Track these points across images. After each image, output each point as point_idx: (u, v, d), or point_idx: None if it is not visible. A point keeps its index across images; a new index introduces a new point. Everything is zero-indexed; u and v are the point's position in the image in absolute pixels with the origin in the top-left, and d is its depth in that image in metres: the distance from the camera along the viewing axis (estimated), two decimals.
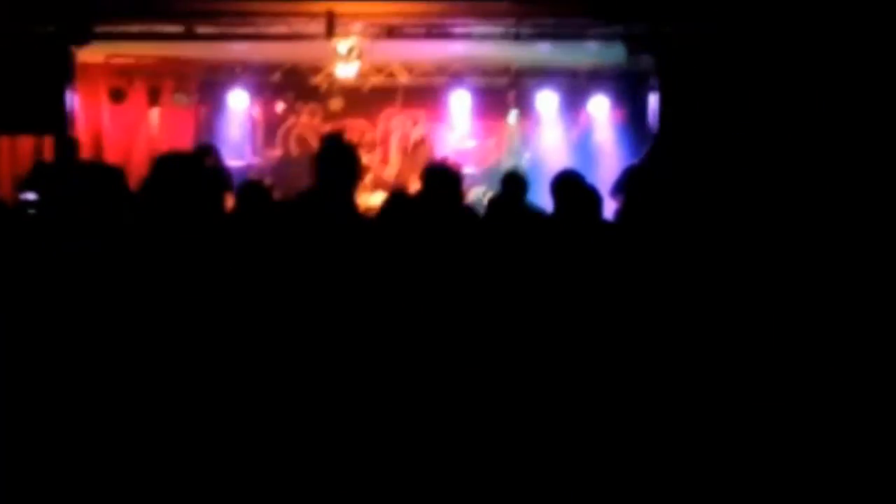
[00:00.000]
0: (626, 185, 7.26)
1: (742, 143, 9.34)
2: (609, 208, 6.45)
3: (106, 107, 13.85)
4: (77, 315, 4.56)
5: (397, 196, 6.65)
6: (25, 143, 11.50)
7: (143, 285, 4.55)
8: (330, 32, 10.68)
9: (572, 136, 14.66)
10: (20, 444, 4.38)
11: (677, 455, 4.71)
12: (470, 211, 6.72)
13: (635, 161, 10.53)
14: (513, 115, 14.57)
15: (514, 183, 7.40)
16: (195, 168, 4.91)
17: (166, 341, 4.46)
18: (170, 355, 4.44)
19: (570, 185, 6.00)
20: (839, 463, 4.59)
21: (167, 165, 4.79)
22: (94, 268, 4.67)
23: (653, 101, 10.74)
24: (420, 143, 13.35)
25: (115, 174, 6.31)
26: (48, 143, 11.51)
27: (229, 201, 6.83)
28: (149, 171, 4.82)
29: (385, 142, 14.88)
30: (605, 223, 6.20)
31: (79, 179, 6.22)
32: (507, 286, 5.29)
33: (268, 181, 12.45)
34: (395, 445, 4.72)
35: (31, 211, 6.07)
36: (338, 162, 5.22)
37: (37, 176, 8.56)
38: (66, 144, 10.10)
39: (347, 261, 4.91)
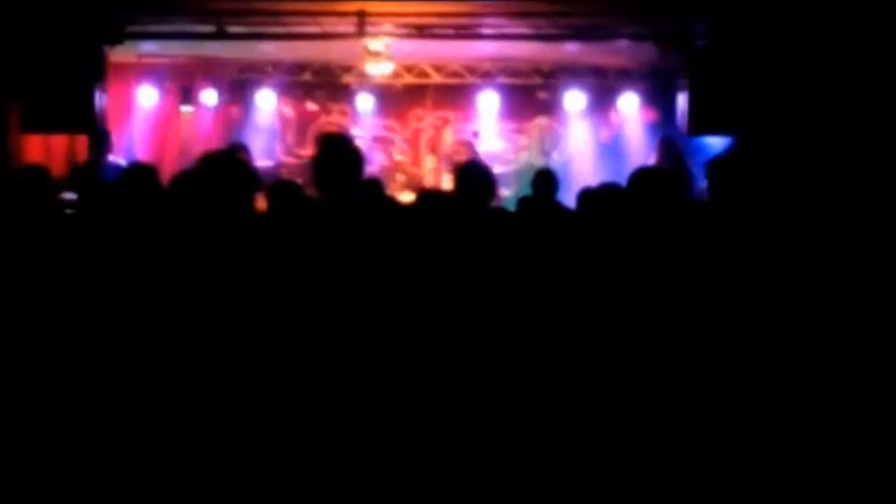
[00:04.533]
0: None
1: (772, 143, 9.29)
2: None
3: (137, 106, 13.94)
4: (117, 310, 4.62)
5: (426, 196, 6.67)
6: (58, 142, 11.58)
7: (177, 283, 4.60)
8: (361, 32, 10.70)
9: (602, 135, 14.66)
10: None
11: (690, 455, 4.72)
12: (502, 210, 6.73)
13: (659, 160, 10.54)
14: (541, 118, 14.61)
15: (545, 182, 7.42)
16: (229, 165, 4.95)
17: (197, 336, 4.51)
18: (201, 350, 4.50)
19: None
20: (840, 463, 4.57)
21: (204, 163, 4.84)
22: (131, 265, 4.73)
23: (681, 100, 10.68)
24: (463, 145, 13.36)
25: (147, 172, 6.34)
26: (80, 141, 11.62)
27: (260, 201, 6.86)
28: (187, 169, 4.88)
29: (415, 141, 14.92)
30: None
31: (114, 178, 6.27)
32: (537, 285, 5.29)
33: (298, 180, 12.50)
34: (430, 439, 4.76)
35: (69, 210, 6.10)
36: (345, 161, 5.20)
37: (74, 176, 8.62)
38: (101, 139, 10.21)
39: (375, 260, 4.92)
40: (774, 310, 4.77)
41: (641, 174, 5.56)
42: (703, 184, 5.73)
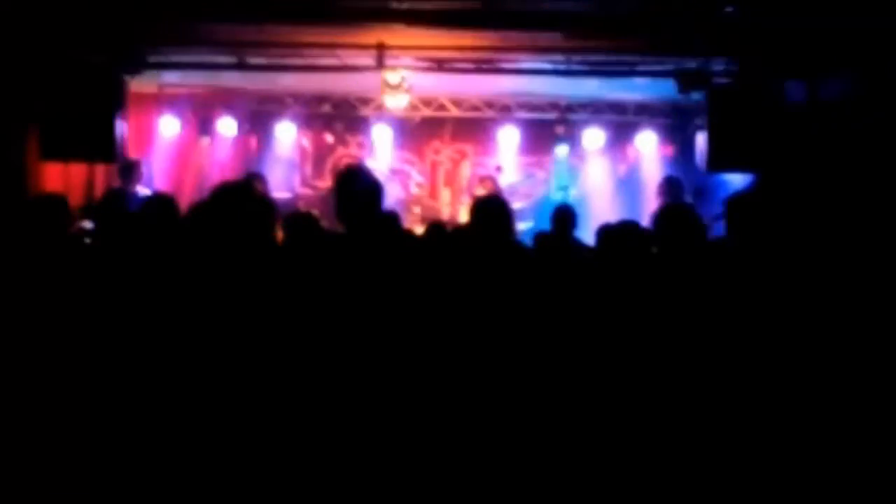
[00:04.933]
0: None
1: (791, 184, 9.27)
2: None
3: (157, 135, 13.96)
4: (132, 338, 4.62)
5: (435, 229, 6.67)
6: (77, 171, 11.62)
7: (191, 311, 4.60)
8: (380, 64, 10.73)
9: (619, 171, 14.63)
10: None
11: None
12: (519, 245, 6.70)
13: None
14: (562, 149, 14.49)
15: (563, 217, 7.39)
16: (246, 195, 4.95)
17: (212, 363, 4.51)
18: (216, 376, 4.50)
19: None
20: (840, 464, 4.57)
21: (219, 193, 4.84)
22: (147, 294, 4.73)
23: (700, 140, 10.68)
24: (486, 179, 13.30)
25: (166, 202, 6.35)
26: (99, 171, 11.67)
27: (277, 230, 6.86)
28: (203, 200, 4.89)
29: (433, 174, 14.92)
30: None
31: (134, 208, 6.28)
32: (550, 319, 5.28)
33: (315, 212, 12.53)
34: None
35: (88, 240, 6.11)
36: (364, 192, 5.17)
37: (93, 206, 8.62)
38: (130, 169, 10.27)
39: (387, 292, 4.90)
40: (795, 345, 4.75)
41: (668, 213, 5.58)
42: (714, 221, 5.74)
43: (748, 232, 5.20)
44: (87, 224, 6.48)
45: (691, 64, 10.57)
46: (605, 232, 6.05)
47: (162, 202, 6.02)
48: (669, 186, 11.21)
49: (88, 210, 7.02)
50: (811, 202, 8.18)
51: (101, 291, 4.83)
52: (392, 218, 6.01)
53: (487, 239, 5.81)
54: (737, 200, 5.35)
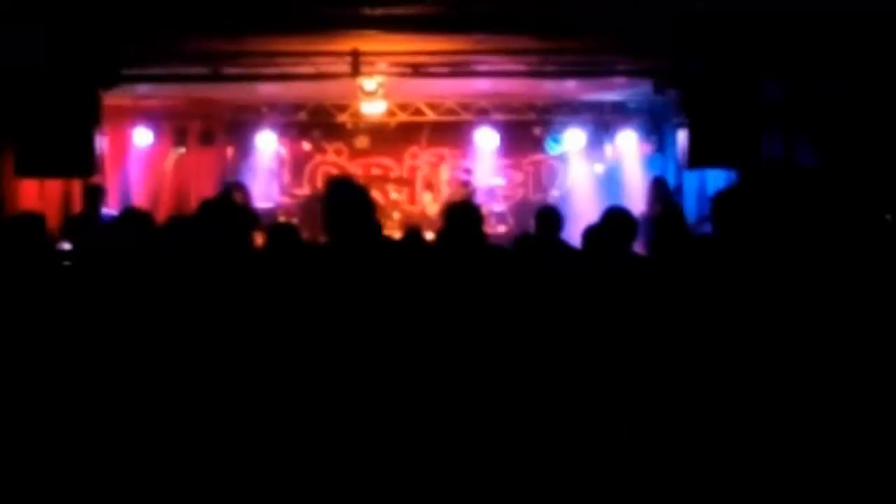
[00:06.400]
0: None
1: (770, 176, 9.28)
2: None
3: (134, 149, 13.88)
4: (116, 352, 4.61)
5: (412, 235, 6.65)
6: (53, 187, 11.54)
7: (176, 325, 4.59)
8: (355, 71, 10.68)
9: (598, 170, 14.64)
10: None
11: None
12: (497, 248, 6.69)
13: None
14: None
15: (547, 219, 7.35)
16: (224, 206, 4.93)
17: (194, 373, 4.51)
18: (196, 388, 4.49)
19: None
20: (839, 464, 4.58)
21: (201, 207, 4.83)
22: (128, 313, 4.70)
23: (682, 137, 10.65)
24: (463, 185, 13.28)
25: (143, 219, 6.31)
26: (76, 186, 11.58)
27: (258, 239, 6.83)
28: (182, 215, 4.88)
29: (411, 179, 14.90)
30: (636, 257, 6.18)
31: (110, 227, 6.23)
32: (536, 320, 5.28)
33: (295, 220, 12.52)
34: None
35: (66, 261, 6.04)
36: (350, 205, 5.11)
37: (70, 226, 8.55)
38: (94, 193, 10.18)
39: (370, 299, 4.88)
40: (784, 341, 4.76)
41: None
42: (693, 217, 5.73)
43: (735, 228, 5.19)
44: (64, 245, 6.41)
45: (667, 62, 10.55)
46: (591, 233, 6.04)
47: (137, 218, 5.96)
48: (659, 188, 11.23)
49: (65, 231, 6.95)
50: (794, 197, 8.20)
51: (82, 312, 4.80)
52: (375, 227, 6.00)
53: (460, 243, 5.81)
54: (723, 197, 5.35)
